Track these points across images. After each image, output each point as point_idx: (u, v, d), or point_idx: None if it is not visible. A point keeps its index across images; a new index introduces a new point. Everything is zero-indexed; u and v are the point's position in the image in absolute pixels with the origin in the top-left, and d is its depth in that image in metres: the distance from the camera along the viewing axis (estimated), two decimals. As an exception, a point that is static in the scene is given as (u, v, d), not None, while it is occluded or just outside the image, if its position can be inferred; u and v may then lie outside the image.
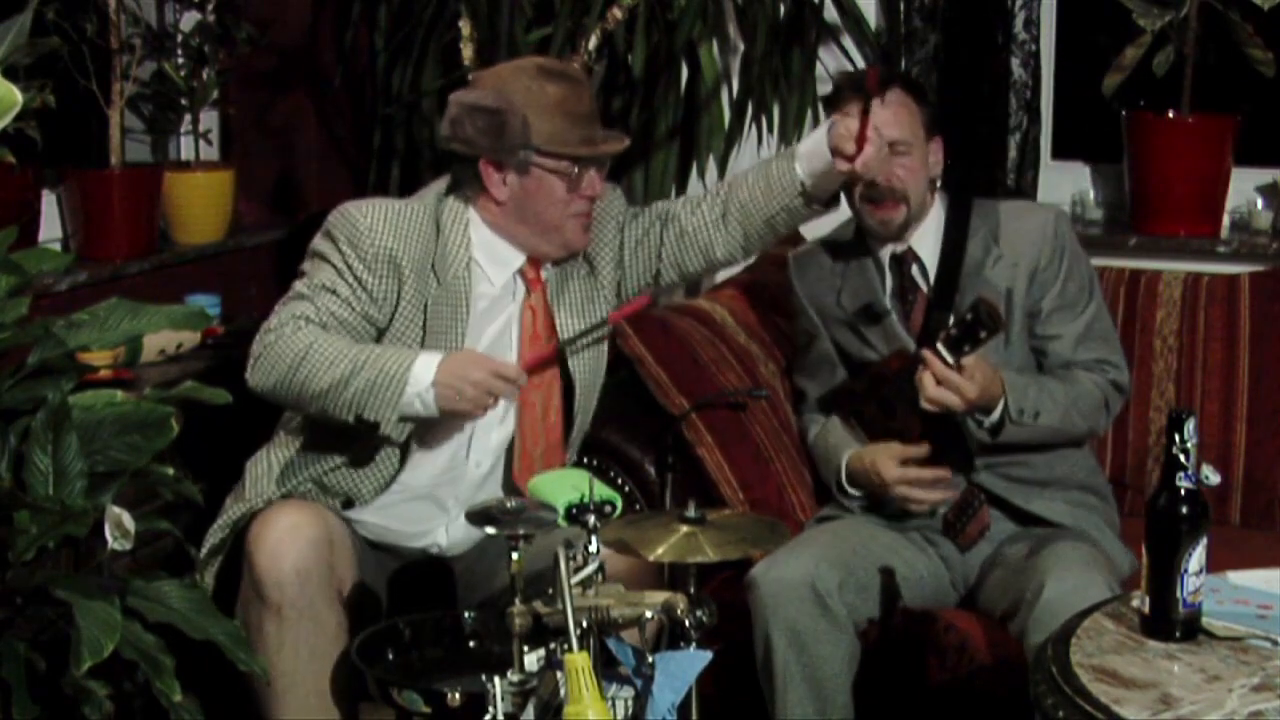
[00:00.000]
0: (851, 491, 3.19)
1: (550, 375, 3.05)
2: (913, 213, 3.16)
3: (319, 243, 2.99)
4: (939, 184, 3.23)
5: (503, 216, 2.99)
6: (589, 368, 3.11)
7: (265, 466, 3.06)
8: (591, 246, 3.10)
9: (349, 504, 3.02)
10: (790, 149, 3.12)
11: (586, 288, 3.11)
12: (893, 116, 3.10)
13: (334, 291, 2.94)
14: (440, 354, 2.88)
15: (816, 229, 3.45)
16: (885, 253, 3.22)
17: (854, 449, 3.18)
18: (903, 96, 3.14)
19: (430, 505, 3.04)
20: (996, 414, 3.04)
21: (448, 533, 3.06)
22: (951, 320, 2.98)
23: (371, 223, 2.94)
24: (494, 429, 3.02)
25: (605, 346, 3.15)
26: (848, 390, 3.24)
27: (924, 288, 3.19)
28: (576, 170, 2.95)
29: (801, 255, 3.38)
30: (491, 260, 3.02)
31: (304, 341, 2.88)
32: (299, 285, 2.97)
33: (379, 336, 2.97)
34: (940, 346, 2.93)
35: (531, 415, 3.03)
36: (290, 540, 2.81)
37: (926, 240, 3.20)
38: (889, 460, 3.10)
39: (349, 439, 2.96)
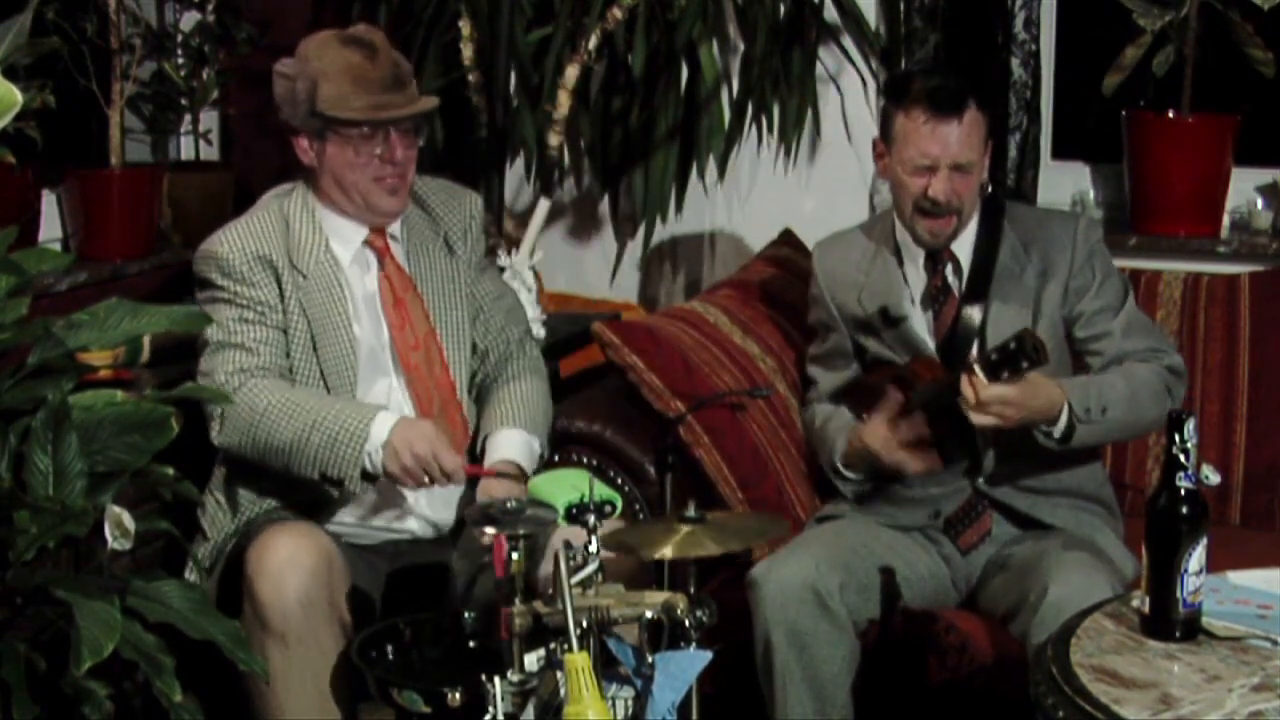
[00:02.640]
0: (848, 475, 3.18)
1: (424, 334, 3.10)
2: (962, 222, 3.14)
3: (200, 295, 3.07)
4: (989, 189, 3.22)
5: (324, 187, 3.07)
6: (452, 319, 3.14)
7: (215, 503, 3.08)
8: (443, 223, 3.19)
9: (313, 510, 3.03)
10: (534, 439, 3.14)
11: (447, 267, 3.17)
12: (965, 137, 3.06)
13: (246, 320, 3.01)
14: (398, 416, 2.94)
15: (841, 221, 3.43)
16: (921, 253, 3.18)
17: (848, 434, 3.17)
18: (976, 115, 3.09)
19: (393, 495, 3.06)
20: (1063, 420, 2.98)
21: (416, 519, 3.08)
22: (990, 346, 2.96)
23: (229, 246, 3.03)
24: (402, 407, 3.05)
25: (465, 290, 3.18)
26: (863, 386, 3.23)
27: (955, 290, 3.16)
28: (364, 133, 3.00)
29: (827, 246, 3.34)
30: (338, 238, 3.09)
31: (263, 400, 2.94)
32: (213, 335, 3.00)
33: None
34: (977, 368, 2.90)
35: (418, 375, 3.07)
36: (292, 569, 2.82)
37: (964, 242, 3.17)
38: (873, 428, 3.08)
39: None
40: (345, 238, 3.09)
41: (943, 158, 3.06)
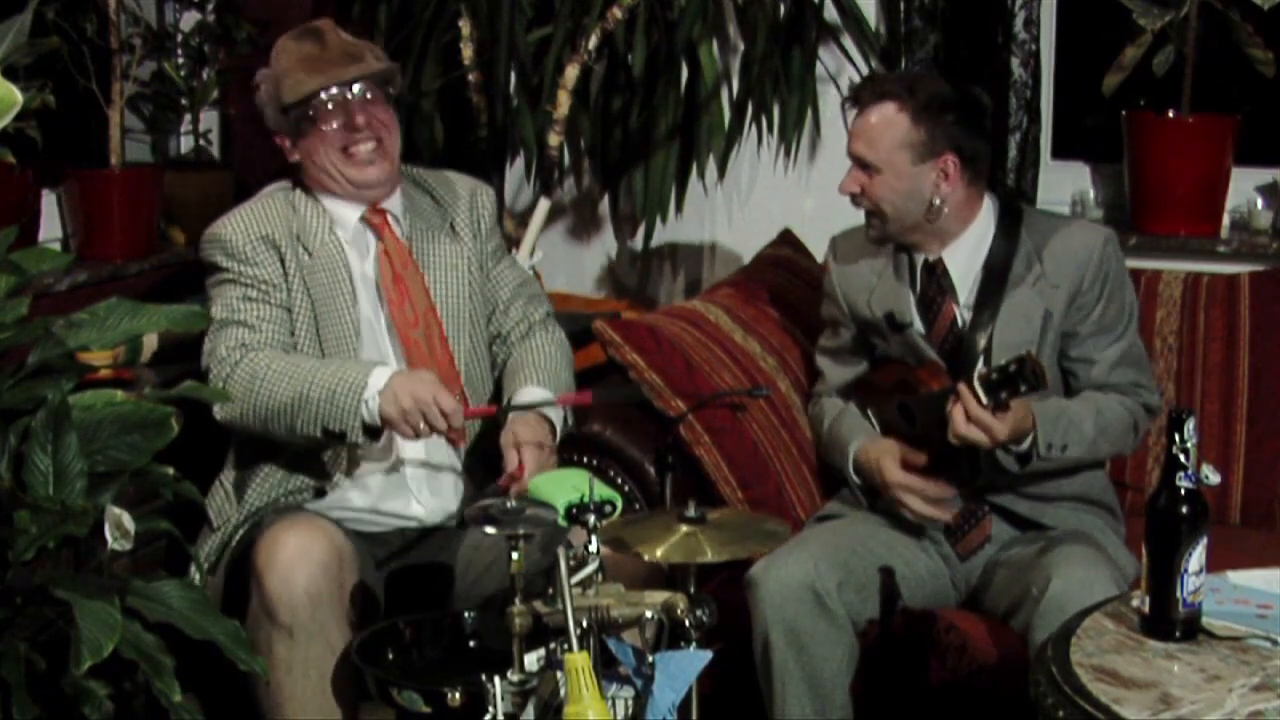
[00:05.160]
0: (857, 481, 3.18)
1: (424, 310, 3.12)
2: (890, 229, 3.09)
3: (207, 280, 3.11)
4: (941, 204, 3.06)
5: (312, 180, 3.13)
6: (452, 296, 3.17)
7: (224, 494, 3.09)
8: (450, 210, 3.22)
9: (320, 493, 3.05)
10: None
11: (451, 251, 3.20)
12: (865, 132, 3.04)
13: (249, 299, 3.04)
14: (395, 368, 2.99)
15: (841, 222, 3.43)
16: (919, 259, 3.15)
17: (862, 441, 3.16)
18: (892, 115, 3.02)
19: (394, 478, 3.07)
20: (1025, 445, 2.98)
21: (420, 504, 3.09)
22: (993, 364, 2.95)
23: (233, 227, 3.09)
24: None
25: (468, 276, 3.19)
26: (870, 384, 3.22)
27: (951, 298, 3.13)
28: (324, 109, 3.06)
29: (844, 242, 3.29)
30: (338, 222, 3.13)
31: (263, 367, 2.96)
32: (217, 313, 3.05)
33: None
34: (976, 384, 2.88)
35: (418, 352, 3.09)
36: (301, 562, 2.82)
37: (961, 252, 3.12)
38: (893, 461, 3.08)
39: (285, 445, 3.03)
40: (344, 220, 3.13)
41: (849, 149, 3.07)
